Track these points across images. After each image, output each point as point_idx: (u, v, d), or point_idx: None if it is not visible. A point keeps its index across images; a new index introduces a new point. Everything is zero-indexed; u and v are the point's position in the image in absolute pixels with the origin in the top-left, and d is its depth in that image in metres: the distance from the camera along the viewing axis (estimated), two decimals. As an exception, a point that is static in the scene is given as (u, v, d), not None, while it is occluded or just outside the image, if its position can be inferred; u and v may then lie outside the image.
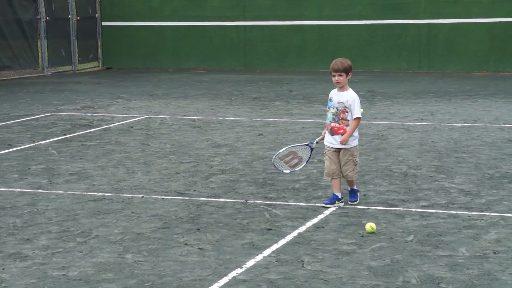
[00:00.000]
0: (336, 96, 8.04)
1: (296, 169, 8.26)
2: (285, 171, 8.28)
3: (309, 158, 8.29)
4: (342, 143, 7.99)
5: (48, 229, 7.48)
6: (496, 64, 22.16)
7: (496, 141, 11.68)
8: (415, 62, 22.73)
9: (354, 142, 8.06)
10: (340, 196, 8.14)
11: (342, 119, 7.99)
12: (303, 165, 8.28)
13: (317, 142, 8.28)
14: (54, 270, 6.33)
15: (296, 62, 23.57)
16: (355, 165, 8.08)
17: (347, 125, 7.97)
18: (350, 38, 23.10)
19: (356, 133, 8.06)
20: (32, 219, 7.85)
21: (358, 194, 8.29)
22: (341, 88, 8.02)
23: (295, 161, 8.27)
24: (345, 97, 7.99)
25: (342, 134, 7.97)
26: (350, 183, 8.21)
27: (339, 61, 7.99)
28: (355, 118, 7.96)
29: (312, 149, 8.25)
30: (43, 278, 6.16)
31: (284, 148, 8.37)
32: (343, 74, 7.94)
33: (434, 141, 11.72)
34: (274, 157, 8.32)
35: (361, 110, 8.11)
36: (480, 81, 19.90)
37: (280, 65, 23.65)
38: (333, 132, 8.03)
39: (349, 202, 8.21)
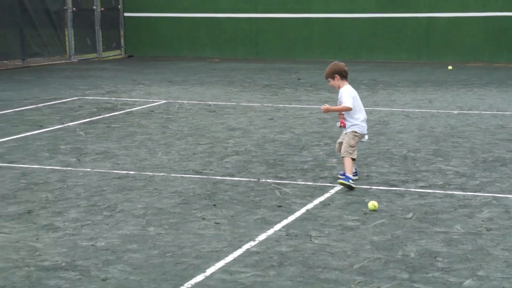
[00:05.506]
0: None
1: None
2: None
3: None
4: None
5: (77, 204, 7.57)
6: (490, 55, 22.08)
7: (489, 127, 11.70)
8: (415, 53, 22.67)
9: (351, 128, 8.19)
10: (351, 176, 8.05)
11: (340, 113, 8.32)
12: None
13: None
14: (83, 241, 6.42)
15: (304, 52, 23.55)
16: (349, 146, 8.11)
17: (344, 119, 8.25)
18: (354, 31, 23.05)
19: (356, 121, 8.16)
20: (63, 194, 7.94)
21: (350, 181, 7.97)
22: (339, 88, 8.26)
23: None
24: (339, 93, 8.27)
25: (343, 127, 8.26)
26: (345, 165, 8.09)
27: (326, 69, 8.27)
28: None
29: None
30: (74, 247, 6.26)
31: None
32: (330, 79, 8.23)
33: (432, 127, 11.74)
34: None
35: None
36: (475, 71, 19.84)
37: (289, 55, 23.63)
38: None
39: (338, 176, 8.32)
